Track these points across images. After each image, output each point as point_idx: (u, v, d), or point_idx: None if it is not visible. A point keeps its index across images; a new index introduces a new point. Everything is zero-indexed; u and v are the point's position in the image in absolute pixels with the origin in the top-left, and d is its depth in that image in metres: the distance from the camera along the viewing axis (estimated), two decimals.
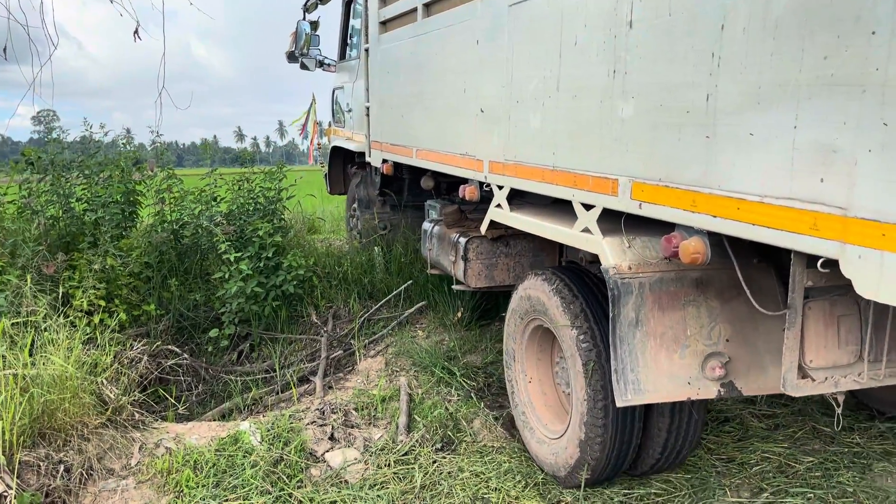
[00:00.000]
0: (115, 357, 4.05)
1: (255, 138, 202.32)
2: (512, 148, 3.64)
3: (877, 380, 2.43)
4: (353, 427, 4.11)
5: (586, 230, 3.05)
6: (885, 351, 2.40)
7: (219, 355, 5.72)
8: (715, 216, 2.29)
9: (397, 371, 4.93)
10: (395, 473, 3.59)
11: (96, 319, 4.61)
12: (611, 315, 2.73)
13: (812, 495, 3.23)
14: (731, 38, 2.18)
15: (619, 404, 2.74)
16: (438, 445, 3.85)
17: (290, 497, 3.41)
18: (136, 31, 4.60)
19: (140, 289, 5.66)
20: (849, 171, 1.84)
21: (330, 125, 8.57)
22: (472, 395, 4.41)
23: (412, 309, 5.85)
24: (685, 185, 2.40)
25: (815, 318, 2.39)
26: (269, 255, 5.83)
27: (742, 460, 3.59)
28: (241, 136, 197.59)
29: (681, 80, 2.39)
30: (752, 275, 2.63)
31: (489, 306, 5.77)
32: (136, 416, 3.80)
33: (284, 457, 3.67)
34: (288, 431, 3.91)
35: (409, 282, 6.13)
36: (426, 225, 5.19)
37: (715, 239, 2.44)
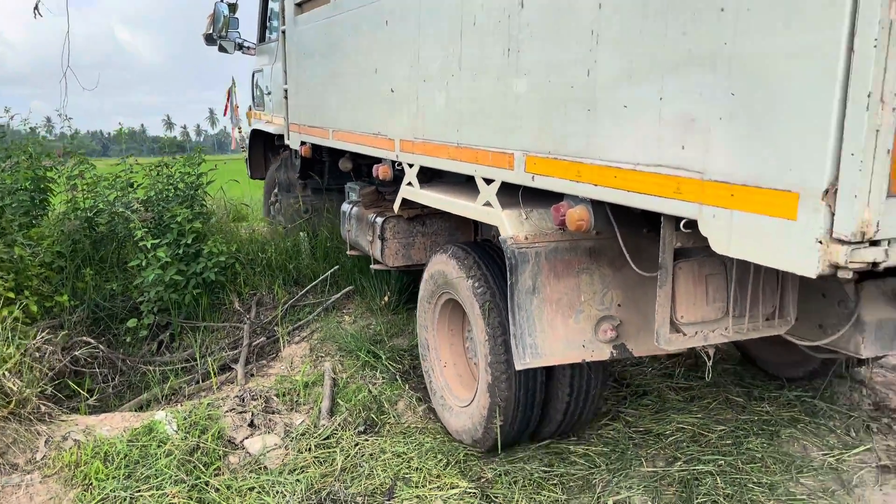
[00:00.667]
0: (19, 349, 3.92)
1: (184, 127, 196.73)
2: (420, 127, 3.71)
3: (741, 333, 2.61)
4: (273, 413, 4.09)
5: (487, 204, 3.17)
6: (748, 307, 2.58)
7: (138, 346, 5.59)
8: (596, 185, 2.43)
9: (322, 356, 4.91)
10: (315, 457, 3.59)
11: (5, 312, 4.46)
12: (509, 283, 2.86)
13: (723, 462, 3.36)
14: (607, 16, 2.29)
15: (517, 367, 2.90)
16: (361, 428, 3.86)
17: (207, 485, 3.37)
18: (36, 7, 4.43)
19: (52, 279, 5.49)
20: (704, 138, 1.98)
21: (250, 109, 8.47)
22: (396, 377, 4.43)
23: (338, 294, 5.84)
24: (570, 157, 2.54)
25: (685, 277, 2.55)
26: (189, 241, 5.72)
27: (658, 431, 3.71)
28: (170, 125, 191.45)
29: (566, 57, 2.51)
30: (642, 243, 2.75)
31: (416, 290, 5.74)
32: (43, 408, 3.70)
33: (201, 445, 3.63)
34: (206, 419, 3.86)
35: (336, 267, 6.11)
36: (345, 206, 5.24)
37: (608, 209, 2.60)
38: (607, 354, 2.89)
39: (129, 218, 5.84)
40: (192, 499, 3.27)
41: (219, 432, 3.74)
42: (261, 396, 4.21)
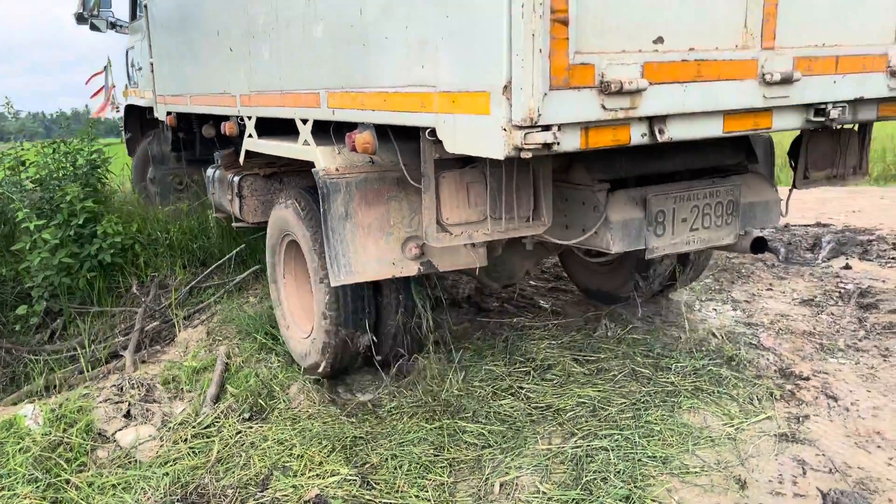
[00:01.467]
0: None
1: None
2: (254, 80, 4.02)
3: (502, 232, 2.93)
4: (153, 402, 3.81)
5: (306, 143, 3.46)
6: (504, 210, 2.87)
7: (29, 334, 5.26)
8: (374, 110, 2.81)
9: (220, 340, 4.60)
10: (191, 448, 3.34)
11: None
12: (322, 210, 3.16)
13: (619, 436, 3.20)
14: None
15: (332, 284, 3.27)
16: (246, 415, 3.62)
17: (67, 483, 3.10)
18: None
19: None
20: (434, 56, 2.35)
21: (126, 87, 8.27)
22: (293, 360, 4.17)
23: (244, 274, 5.55)
24: (356, 89, 2.92)
25: (447, 185, 2.84)
26: (81, 222, 5.36)
27: (559, 406, 3.53)
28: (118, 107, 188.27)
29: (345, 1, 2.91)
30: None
31: None
32: None
33: (66, 440, 3.35)
34: (75, 412, 3.58)
35: (241, 246, 5.81)
36: (209, 171, 5.29)
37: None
38: (415, 270, 3.28)
39: (13, 198, 5.45)
40: (45, 499, 2.99)
41: (88, 425, 3.46)
42: (142, 385, 3.93)
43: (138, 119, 8.03)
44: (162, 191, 7.23)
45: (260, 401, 3.72)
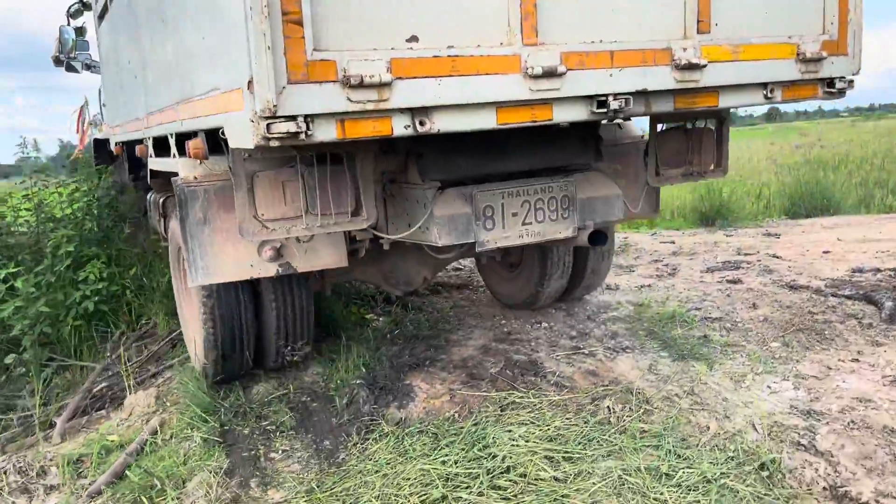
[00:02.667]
0: None
1: None
2: (148, 102, 4.21)
3: (323, 227, 3.15)
4: (25, 493, 3.49)
5: (174, 155, 3.62)
6: (321, 207, 3.10)
7: (18, 383, 5.06)
8: (193, 118, 3.06)
9: (165, 407, 4.17)
10: None
11: None
12: (180, 217, 3.34)
13: None
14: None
15: (190, 285, 3.51)
16: None
17: None
18: None
19: None
20: (217, 63, 2.61)
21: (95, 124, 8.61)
22: (216, 440, 3.62)
23: None
24: (187, 101, 3.19)
25: (262, 183, 3.09)
26: (63, 268, 5.39)
27: None
28: None
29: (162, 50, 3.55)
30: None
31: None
32: None
33: None
34: None
35: None
36: (149, 196, 5.28)
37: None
38: (273, 271, 3.47)
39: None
40: None
41: None
42: (32, 468, 3.63)
43: (108, 154, 8.27)
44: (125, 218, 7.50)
45: (143, 498, 3.23)
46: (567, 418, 3.58)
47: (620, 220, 3.88)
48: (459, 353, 4.51)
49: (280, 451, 3.57)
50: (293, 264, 3.55)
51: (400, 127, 2.57)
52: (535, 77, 2.71)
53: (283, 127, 2.32)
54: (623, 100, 2.92)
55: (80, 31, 7.84)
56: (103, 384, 4.85)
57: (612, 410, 3.64)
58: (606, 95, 2.90)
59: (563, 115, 2.89)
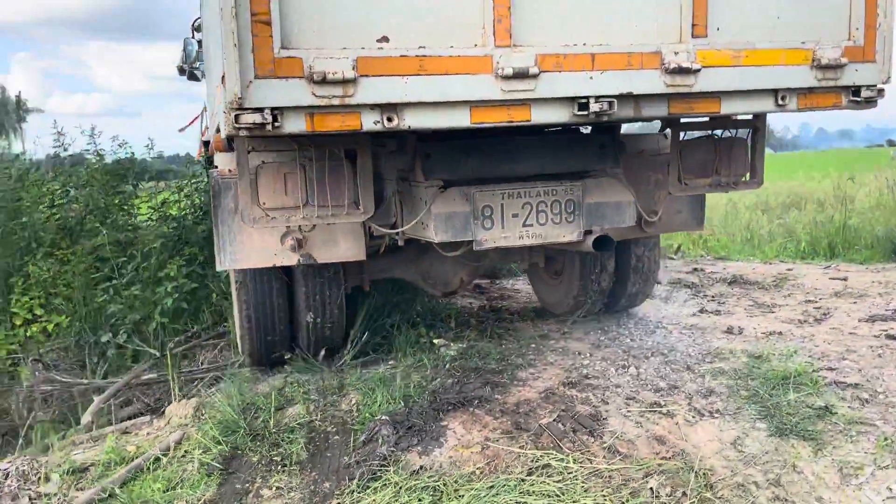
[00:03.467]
0: None
1: None
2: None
3: (322, 218, 3.40)
4: (15, 501, 3.28)
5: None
6: (317, 200, 3.34)
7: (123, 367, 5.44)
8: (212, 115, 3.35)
9: (202, 422, 3.86)
10: None
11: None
12: (213, 206, 3.66)
13: None
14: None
15: (217, 269, 3.91)
16: None
17: None
18: None
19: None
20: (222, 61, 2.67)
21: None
22: (216, 470, 3.37)
23: None
24: None
25: (265, 174, 3.36)
26: (147, 264, 5.82)
27: None
28: None
29: None
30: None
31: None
32: None
33: None
34: None
35: None
36: None
37: None
38: (295, 260, 3.77)
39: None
40: None
41: None
42: (38, 473, 3.44)
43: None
44: None
45: None
46: (603, 495, 2.91)
47: (634, 232, 3.86)
48: (518, 395, 3.86)
49: (274, 488, 3.23)
50: (314, 255, 3.80)
51: (369, 122, 2.72)
52: (506, 78, 2.79)
53: (249, 118, 2.53)
54: (606, 102, 2.93)
55: (201, 43, 8.55)
56: (146, 378, 5.02)
57: (656, 494, 2.91)
58: (588, 98, 2.91)
59: (542, 116, 2.93)
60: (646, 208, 4.08)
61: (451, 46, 2.77)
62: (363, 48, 2.66)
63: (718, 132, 3.99)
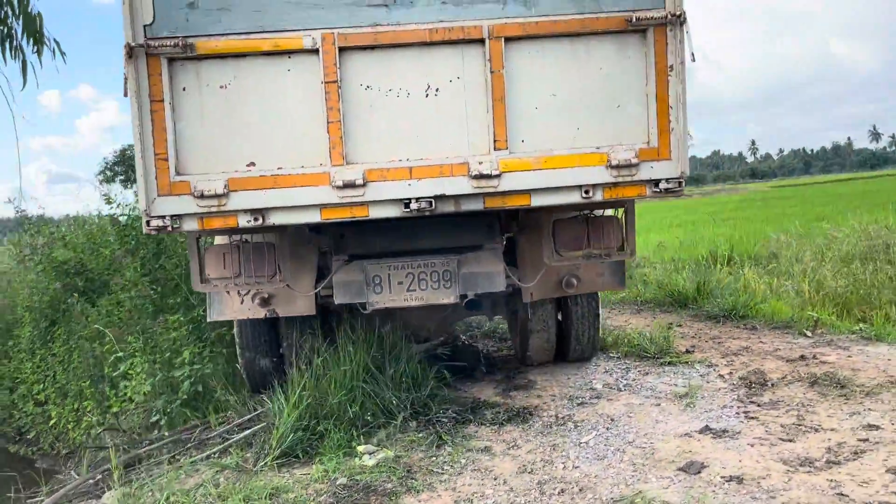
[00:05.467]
0: None
1: (893, 136, 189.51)
2: None
3: (247, 285, 4.56)
4: None
5: None
6: (246, 273, 4.49)
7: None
8: None
9: None
10: None
11: None
12: None
13: None
14: None
15: (208, 320, 5.16)
16: None
17: None
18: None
19: None
20: None
21: None
22: None
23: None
24: None
25: (210, 254, 4.57)
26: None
27: None
28: (876, 136, 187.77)
29: None
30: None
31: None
32: None
33: None
34: None
35: None
36: None
37: None
38: (262, 314, 4.87)
39: None
40: None
41: None
42: None
43: None
44: None
45: None
46: None
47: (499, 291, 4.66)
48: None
49: None
50: (277, 310, 4.96)
51: (244, 221, 3.87)
52: (339, 188, 3.83)
53: (155, 223, 3.78)
54: (426, 202, 3.87)
55: None
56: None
57: None
58: (410, 199, 3.87)
59: (378, 212, 3.94)
60: (527, 276, 4.88)
61: (302, 166, 3.87)
62: (236, 171, 3.83)
63: (590, 212, 4.72)
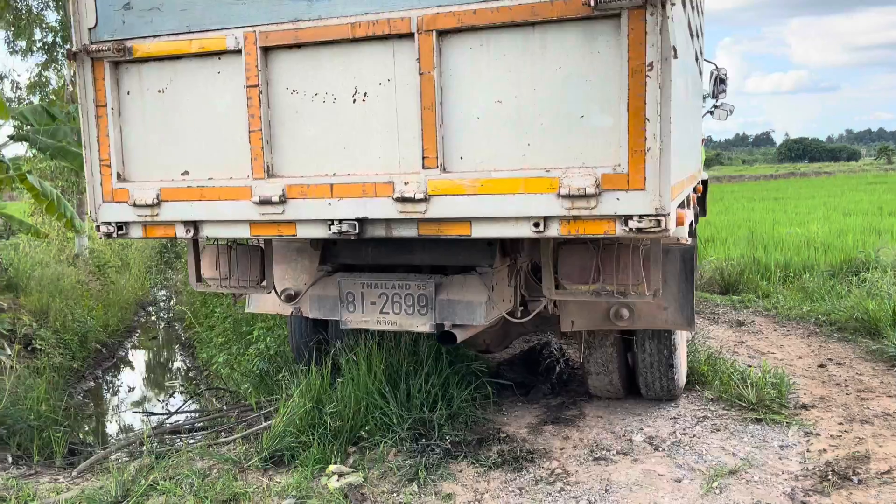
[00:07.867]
0: None
1: None
2: None
3: (235, 288, 4.43)
4: None
5: None
6: (232, 275, 4.41)
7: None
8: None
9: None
10: None
11: None
12: None
13: None
14: None
15: (246, 311, 5.19)
16: None
17: None
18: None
19: None
20: None
21: None
22: None
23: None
24: None
25: (204, 255, 4.46)
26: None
27: None
28: None
29: None
30: None
31: None
32: None
33: None
34: None
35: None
36: None
37: None
38: (289, 310, 4.72)
39: None
40: None
41: None
42: None
43: None
44: None
45: None
46: None
47: (483, 325, 3.98)
48: None
49: None
50: (301, 308, 4.77)
51: (181, 232, 3.73)
52: (259, 204, 3.49)
53: (102, 229, 3.80)
54: (348, 225, 3.38)
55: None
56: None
57: None
58: (333, 220, 3.41)
59: (305, 232, 3.53)
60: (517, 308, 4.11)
61: (231, 178, 3.59)
62: (172, 180, 3.68)
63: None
